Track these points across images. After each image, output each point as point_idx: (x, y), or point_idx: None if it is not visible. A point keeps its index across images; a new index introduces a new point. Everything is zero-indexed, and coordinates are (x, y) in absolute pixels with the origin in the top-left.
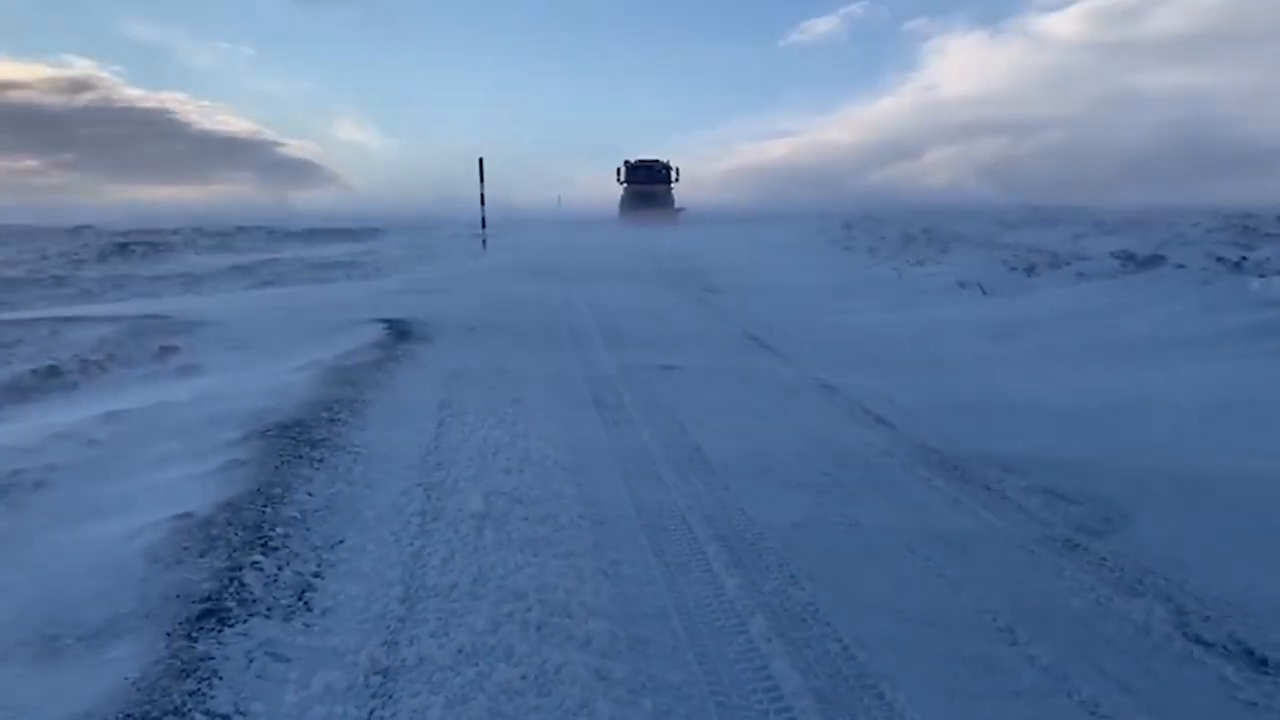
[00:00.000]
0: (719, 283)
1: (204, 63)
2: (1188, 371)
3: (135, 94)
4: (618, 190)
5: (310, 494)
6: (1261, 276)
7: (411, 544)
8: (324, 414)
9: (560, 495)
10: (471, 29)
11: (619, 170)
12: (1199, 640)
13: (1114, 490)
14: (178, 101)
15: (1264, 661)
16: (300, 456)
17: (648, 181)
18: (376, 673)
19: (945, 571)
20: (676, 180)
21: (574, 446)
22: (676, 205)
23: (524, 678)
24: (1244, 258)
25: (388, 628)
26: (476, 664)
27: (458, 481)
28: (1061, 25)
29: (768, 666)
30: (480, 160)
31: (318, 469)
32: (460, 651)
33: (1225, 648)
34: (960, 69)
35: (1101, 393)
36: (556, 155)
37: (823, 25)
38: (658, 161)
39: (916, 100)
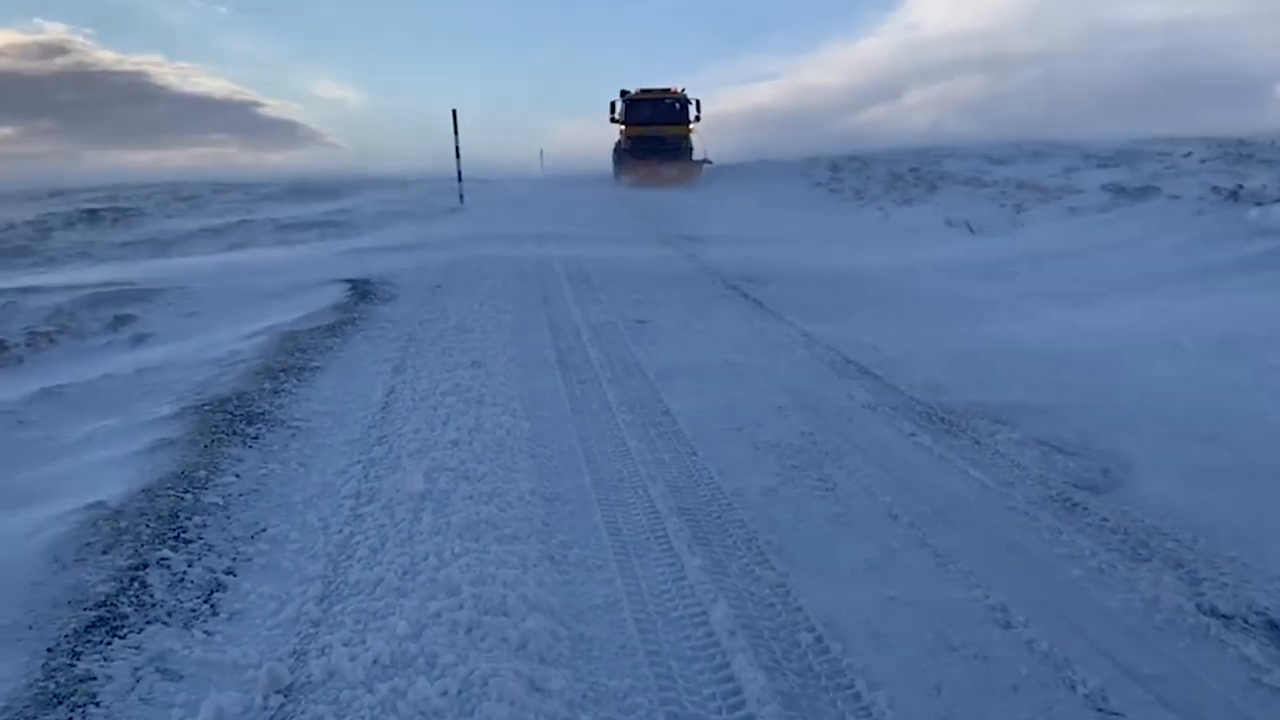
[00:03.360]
0: (695, 231)
1: (178, 22)
2: (1187, 307)
3: (109, 57)
4: (613, 135)
5: (238, 475)
6: (1259, 205)
7: (340, 531)
8: (268, 384)
9: (511, 468)
10: None
11: (613, 105)
12: (1214, 613)
13: (1113, 439)
14: (154, 64)
15: None
16: (234, 433)
17: (655, 121)
18: (277, 692)
19: (930, 541)
20: (698, 118)
21: (532, 412)
22: (698, 156)
23: (444, 694)
24: (1240, 186)
25: (298, 634)
26: (392, 679)
27: (399, 457)
28: None
29: (729, 665)
30: (454, 112)
31: (251, 447)
32: (375, 663)
33: (1245, 620)
34: (940, 7)
35: (1098, 333)
36: (537, 107)
37: None
38: (669, 92)
39: (897, 40)
